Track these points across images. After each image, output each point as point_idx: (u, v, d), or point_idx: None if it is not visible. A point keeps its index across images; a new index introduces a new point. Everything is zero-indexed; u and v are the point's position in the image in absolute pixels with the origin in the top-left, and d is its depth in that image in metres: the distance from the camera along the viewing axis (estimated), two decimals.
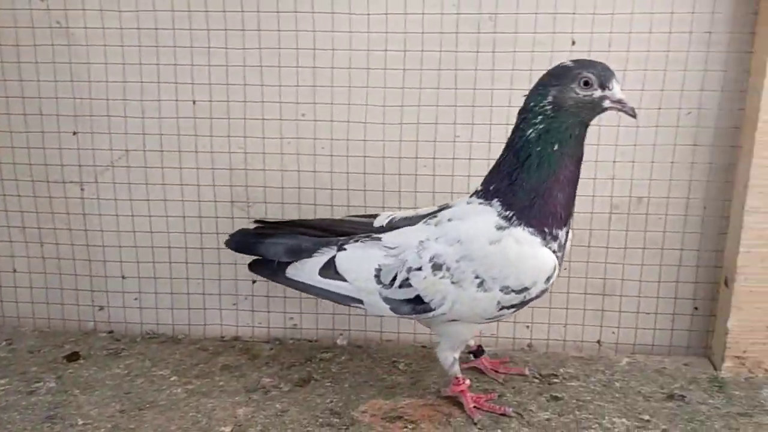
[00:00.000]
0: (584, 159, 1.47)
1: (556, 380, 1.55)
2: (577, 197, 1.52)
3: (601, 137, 1.56)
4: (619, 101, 1.21)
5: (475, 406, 1.41)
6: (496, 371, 1.56)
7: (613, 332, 1.69)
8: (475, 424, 1.37)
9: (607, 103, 1.21)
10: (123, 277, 1.77)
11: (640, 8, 1.49)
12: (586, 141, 1.47)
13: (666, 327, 1.66)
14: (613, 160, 1.58)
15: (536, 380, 1.55)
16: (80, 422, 1.38)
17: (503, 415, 1.40)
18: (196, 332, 1.78)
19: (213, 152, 1.66)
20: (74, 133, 1.69)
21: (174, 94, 1.64)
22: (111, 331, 1.80)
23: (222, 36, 1.59)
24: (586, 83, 1.21)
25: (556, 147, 1.23)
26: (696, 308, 1.66)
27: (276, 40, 1.58)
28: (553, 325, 1.70)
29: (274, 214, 1.68)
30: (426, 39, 1.55)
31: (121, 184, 1.70)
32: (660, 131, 1.55)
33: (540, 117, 1.23)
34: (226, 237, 1.48)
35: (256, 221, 1.54)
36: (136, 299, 1.78)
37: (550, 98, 1.22)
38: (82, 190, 1.72)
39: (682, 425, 1.37)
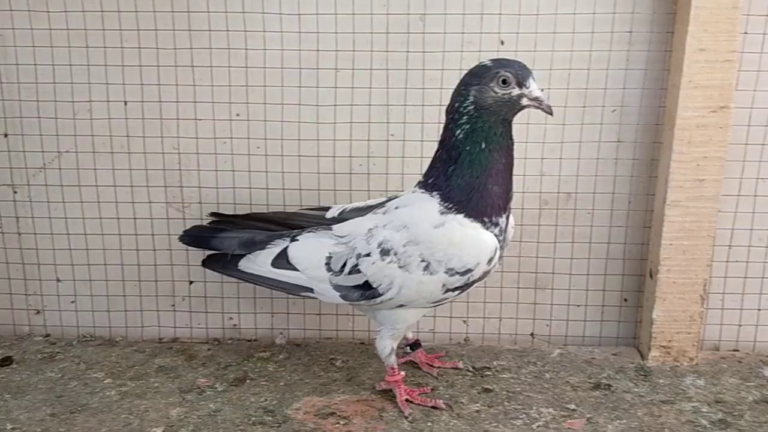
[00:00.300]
0: (515, 156, 1.53)
1: (488, 373, 1.58)
2: None
3: (530, 135, 1.60)
4: (536, 99, 1.24)
5: (407, 399, 1.43)
6: (431, 365, 1.59)
7: (547, 325, 1.73)
8: (406, 417, 1.40)
9: (525, 101, 1.25)
10: (58, 280, 1.75)
11: (564, 9, 1.53)
12: (516, 138, 1.52)
13: (596, 318, 1.71)
14: (541, 157, 1.62)
15: (469, 373, 1.58)
16: (9, 427, 1.36)
17: (434, 408, 1.43)
18: (134, 334, 1.77)
19: (146, 153, 1.65)
20: (5, 135, 1.67)
21: (105, 94, 1.62)
22: (47, 335, 1.77)
23: (152, 36, 1.58)
24: (504, 82, 1.24)
25: (483, 145, 1.27)
26: (625, 300, 1.71)
27: (207, 40, 1.58)
28: (488, 319, 1.73)
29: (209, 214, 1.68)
30: (357, 39, 1.57)
31: (53, 186, 1.68)
32: (585, 129, 1.59)
33: (465, 117, 1.27)
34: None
35: (212, 214, 1.56)
36: (72, 302, 1.76)
37: (471, 98, 1.26)
38: (14, 192, 1.70)
39: (606, 413, 1.42)
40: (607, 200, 1.64)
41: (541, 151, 1.62)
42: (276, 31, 1.57)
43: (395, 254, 1.31)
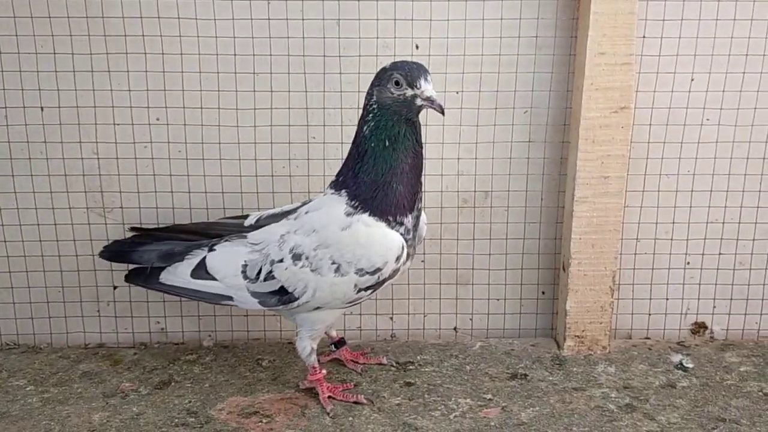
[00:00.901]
0: (429, 157, 1.58)
1: (411, 367, 1.63)
2: (427, 193, 1.62)
3: (446, 136, 1.65)
4: (428, 98, 1.28)
5: (329, 396, 1.47)
6: (356, 362, 1.63)
7: (470, 319, 1.79)
8: (328, 414, 1.43)
9: (418, 101, 1.29)
10: None
11: (472, 15, 1.58)
12: (433, 140, 1.57)
13: (515, 311, 1.78)
14: (457, 157, 1.67)
15: (393, 368, 1.62)
16: None
17: (356, 403, 1.47)
18: (59, 341, 1.75)
19: (65, 159, 1.65)
20: None
21: (21, 101, 1.61)
22: None
23: (67, 41, 1.57)
24: (397, 83, 1.29)
25: (387, 143, 1.31)
26: (543, 292, 1.78)
27: (123, 45, 1.58)
28: (413, 315, 1.78)
29: (131, 219, 1.68)
30: (274, 43, 1.59)
31: None
32: (498, 129, 1.65)
33: (371, 115, 1.32)
34: (92, 261, 1.59)
35: (132, 228, 1.57)
36: None
37: (374, 98, 1.31)
38: None
39: (520, 401, 1.48)
40: (521, 198, 1.70)
41: (457, 152, 1.67)
42: (193, 35, 1.58)
43: (306, 258, 1.34)
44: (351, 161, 1.36)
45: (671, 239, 1.73)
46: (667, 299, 1.77)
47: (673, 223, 1.71)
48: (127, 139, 1.64)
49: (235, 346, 1.75)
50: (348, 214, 1.33)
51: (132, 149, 1.65)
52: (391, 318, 1.79)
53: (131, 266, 1.56)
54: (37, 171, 1.65)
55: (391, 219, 1.33)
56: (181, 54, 1.59)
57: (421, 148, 1.35)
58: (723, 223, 1.72)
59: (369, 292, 1.37)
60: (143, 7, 1.56)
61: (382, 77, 1.31)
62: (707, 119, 1.66)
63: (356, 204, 1.34)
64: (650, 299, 1.77)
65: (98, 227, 1.69)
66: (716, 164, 1.68)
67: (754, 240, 1.73)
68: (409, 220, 1.36)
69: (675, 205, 1.70)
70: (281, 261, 1.37)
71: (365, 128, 1.33)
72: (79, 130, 1.63)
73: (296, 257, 1.36)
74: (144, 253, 1.52)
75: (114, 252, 1.55)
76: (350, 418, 1.42)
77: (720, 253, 1.73)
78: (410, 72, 1.28)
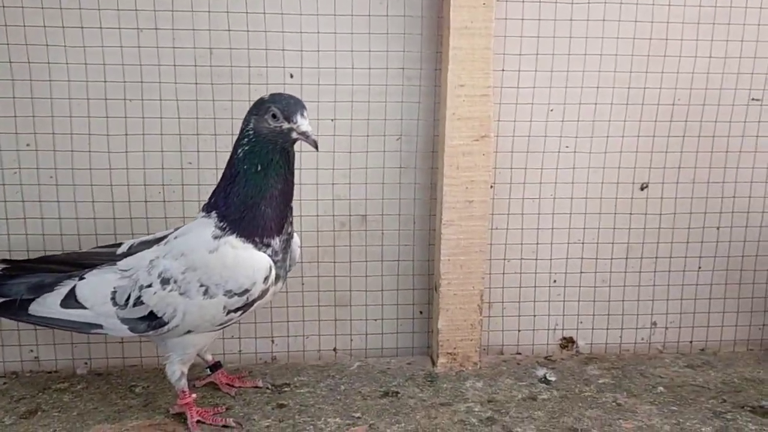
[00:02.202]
0: (305, 182, 1.63)
1: (287, 389, 1.66)
2: (304, 217, 1.67)
3: (319, 162, 1.70)
4: (303, 133, 1.34)
5: (198, 420, 1.48)
6: (231, 385, 1.64)
7: (350, 339, 1.84)
8: None
9: (294, 135, 1.34)
10: None
11: (342, 46, 1.64)
12: (308, 165, 1.61)
13: (392, 331, 1.84)
14: (332, 182, 1.72)
15: (268, 390, 1.64)
16: None
17: (225, 426, 1.48)
18: None
19: None
20: None
21: None
22: None
23: None
24: (274, 116, 1.33)
25: (259, 168, 1.35)
26: (420, 312, 1.85)
27: None
28: (293, 337, 1.81)
29: (0, 246, 1.65)
30: (144, 70, 1.61)
31: None
32: (370, 156, 1.72)
33: (246, 140, 1.36)
34: None
35: (2, 261, 1.54)
36: None
37: (251, 125, 1.35)
38: None
39: (388, 418, 1.53)
40: (395, 221, 1.77)
41: (332, 177, 1.72)
42: (62, 62, 1.58)
43: (175, 282, 1.36)
44: (224, 182, 1.40)
45: (536, 259, 1.83)
46: (535, 315, 1.86)
47: (537, 243, 1.81)
48: None
49: (110, 373, 1.73)
50: (215, 237, 1.36)
51: (0, 175, 1.62)
52: (272, 341, 1.81)
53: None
54: None
55: (258, 240, 1.37)
56: (50, 81, 1.58)
57: (292, 175, 1.39)
58: (583, 243, 1.83)
59: (239, 313, 1.40)
60: (10, 34, 1.55)
61: (260, 108, 1.34)
62: (566, 146, 1.77)
63: (224, 225, 1.37)
64: (519, 316, 1.86)
65: None
66: (574, 189, 1.79)
67: (612, 259, 1.85)
68: (276, 243, 1.39)
69: (538, 227, 1.81)
70: (150, 286, 1.38)
71: (240, 151, 1.36)
72: None
73: (165, 281, 1.37)
74: (12, 286, 1.48)
75: None
76: None
77: (581, 272, 1.85)
78: (287, 107, 1.33)
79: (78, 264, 1.50)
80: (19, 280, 1.49)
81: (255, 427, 1.49)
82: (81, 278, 1.45)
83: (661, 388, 1.69)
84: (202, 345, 1.47)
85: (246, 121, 1.37)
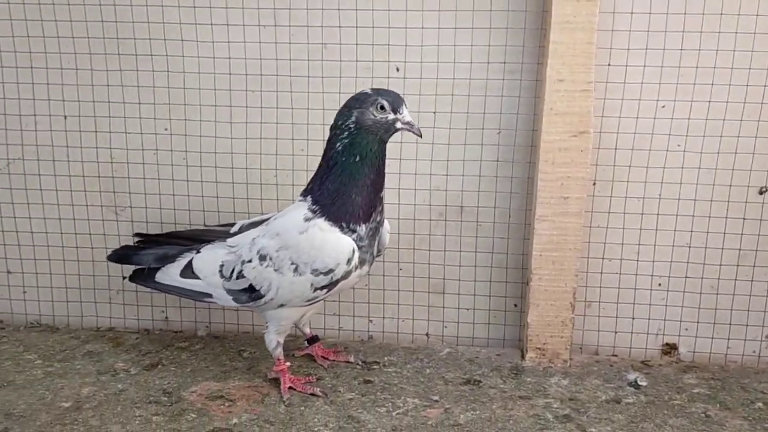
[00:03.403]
0: (404, 172, 1.72)
1: (376, 367, 1.75)
2: (402, 205, 1.75)
3: (419, 153, 1.77)
4: (408, 123, 1.44)
5: (290, 387, 1.62)
6: (326, 358, 1.77)
7: (445, 326, 1.90)
8: (284, 402, 1.58)
9: (399, 125, 1.43)
10: (9, 272, 1.97)
11: (444, 41, 1.70)
12: (407, 156, 1.70)
13: (484, 321, 1.87)
14: (430, 173, 1.79)
15: (359, 366, 1.75)
16: None
17: (312, 395, 1.60)
18: (75, 323, 1.98)
19: (83, 162, 1.87)
20: None
21: (47, 109, 1.84)
22: (0, 321, 2.00)
23: (87, 59, 1.80)
24: (382, 108, 1.43)
25: (358, 158, 1.45)
26: (515, 305, 1.87)
27: (134, 63, 1.79)
28: (388, 318, 1.90)
29: (139, 218, 1.89)
30: (264, 64, 1.76)
31: (4, 189, 1.90)
32: (468, 148, 1.76)
33: (346, 133, 1.46)
34: (105, 253, 1.77)
35: (137, 234, 1.77)
36: (24, 292, 1.98)
37: (353, 118, 1.45)
38: None
39: (464, 405, 1.58)
40: (490, 214, 1.80)
41: (430, 168, 1.78)
42: (194, 56, 1.77)
43: (270, 259, 1.50)
44: (321, 172, 1.51)
45: (638, 260, 1.78)
46: (634, 318, 1.82)
47: (639, 244, 1.77)
48: (137, 146, 1.85)
49: (225, 337, 1.92)
50: (306, 219, 1.48)
51: (141, 155, 1.85)
52: (370, 320, 1.91)
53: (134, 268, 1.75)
54: (60, 171, 1.88)
55: (344, 225, 1.47)
56: (183, 72, 1.78)
57: (384, 167, 1.48)
58: (689, 246, 1.75)
59: (324, 291, 1.51)
60: (152, 30, 1.76)
61: (364, 101, 1.44)
62: (678, 145, 1.71)
63: (316, 209, 1.48)
64: (617, 317, 1.82)
65: (111, 223, 1.90)
66: (682, 189, 1.72)
67: (721, 265, 1.75)
68: (363, 229, 1.48)
69: (641, 227, 1.76)
70: (250, 261, 1.53)
71: (338, 144, 1.46)
72: (96, 137, 1.85)
73: (262, 258, 1.51)
74: (143, 256, 1.71)
75: (119, 255, 1.74)
76: (302, 408, 1.56)
77: (686, 276, 1.77)
78: (395, 99, 1.44)
79: (198, 239, 1.69)
80: (149, 251, 1.70)
81: (339, 398, 1.60)
82: (198, 252, 1.64)
83: (759, 404, 1.60)
84: (294, 318, 1.60)
85: (345, 116, 1.46)
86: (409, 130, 1.46)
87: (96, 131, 1.85)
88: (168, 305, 1.95)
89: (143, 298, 1.95)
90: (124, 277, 1.93)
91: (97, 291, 1.96)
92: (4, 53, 1.82)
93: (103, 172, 1.88)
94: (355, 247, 1.47)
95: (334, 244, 1.46)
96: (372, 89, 1.47)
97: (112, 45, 1.79)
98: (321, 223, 1.46)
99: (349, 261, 1.47)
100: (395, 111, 1.43)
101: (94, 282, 1.95)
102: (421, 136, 1.47)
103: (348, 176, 1.46)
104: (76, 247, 1.93)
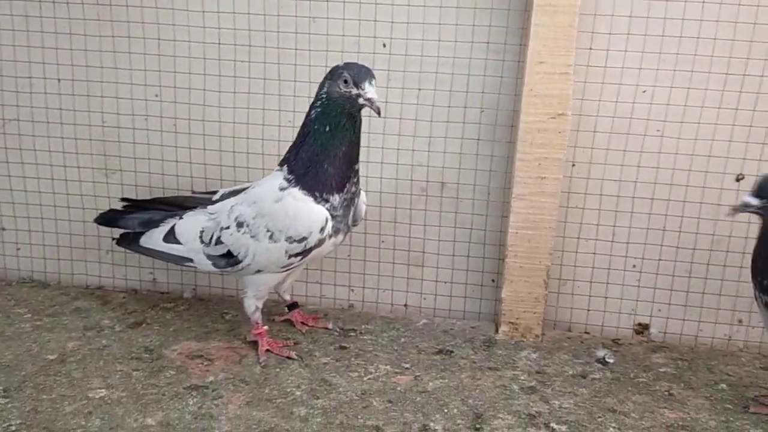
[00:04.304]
0: (387, 147, 1.77)
1: (353, 334, 1.81)
2: (384, 179, 1.79)
3: (402, 129, 1.81)
4: (369, 99, 1.45)
5: (267, 350, 1.68)
6: (305, 324, 1.83)
7: (423, 298, 1.95)
8: (260, 363, 1.64)
9: (361, 100, 1.46)
10: (3, 229, 2.03)
11: (430, 19, 1.72)
12: (391, 131, 1.73)
13: (461, 295, 1.92)
14: (412, 149, 1.82)
15: (336, 333, 1.81)
16: None
17: (288, 358, 1.67)
18: (65, 280, 2.04)
19: (75, 125, 1.92)
20: None
21: (42, 72, 1.88)
22: None
23: (81, 24, 1.83)
24: (345, 81, 1.46)
25: (327, 128, 1.49)
26: (493, 280, 1.91)
27: (126, 29, 1.82)
28: (369, 288, 1.96)
29: (128, 181, 1.94)
30: (252, 35, 1.79)
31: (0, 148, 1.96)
32: (450, 126, 1.79)
33: (319, 102, 1.50)
34: (95, 214, 1.83)
35: (123, 199, 1.82)
36: (19, 249, 2.05)
37: (325, 89, 1.49)
38: None
39: (434, 373, 1.64)
40: (470, 191, 1.84)
41: (412, 144, 1.82)
42: (184, 24, 1.80)
43: (247, 226, 1.55)
44: (297, 140, 1.56)
45: (612, 241, 1.82)
46: (606, 297, 1.86)
47: (615, 226, 1.81)
48: (128, 112, 1.89)
49: (209, 299, 1.98)
50: (281, 188, 1.53)
51: (131, 120, 1.90)
52: (351, 289, 1.97)
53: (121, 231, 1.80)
54: (53, 133, 1.93)
55: (317, 195, 1.51)
56: (174, 41, 1.82)
57: (358, 140, 1.52)
58: (664, 230, 1.79)
59: (299, 258, 1.56)
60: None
61: (334, 73, 1.48)
62: (657, 130, 1.73)
63: (291, 178, 1.53)
64: (590, 296, 1.87)
65: (101, 185, 1.96)
66: (659, 174, 1.75)
67: (694, 249, 1.79)
68: (336, 199, 1.53)
69: (617, 209, 1.79)
70: (228, 228, 1.58)
71: (312, 113, 1.51)
72: (88, 101, 1.89)
73: (239, 225, 1.57)
74: (129, 220, 1.77)
75: (106, 218, 1.80)
76: (278, 370, 1.62)
77: (660, 259, 1.81)
78: (358, 74, 1.45)
79: (182, 206, 1.74)
80: (135, 216, 1.76)
81: (314, 362, 1.66)
82: (180, 218, 1.69)
83: (723, 386, 1.65)
84: (271, 284, 1.65)
85: (321, 86, 1.50)
86: (369, 107, 1.46)
87: (88, 95, 1.89)
88: (156, 267, 2.01)
89: (132, 259, 2.01)
90: (113, 238, 1.97)
91: (87, 250, 2.02)
92: (1, 16, 1.85)
93: (94, 136, 1.92)
94: (329, 216, 1.52)
95: (308, 213, 1.51)
96: (344, 63, 1.50)
97: (105, 11, 1.82)
98: (295, 192, 1.51)
99: (322, 230, 1.52)
100: (357, 85, 1.45)
101: (85, 241, 2.01)
102: (379, 114, 1.47)
103: (320, 146, 1.50)
104: (68, 207, 1.99)
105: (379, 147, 1.81)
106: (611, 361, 1.73)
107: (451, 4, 1.71)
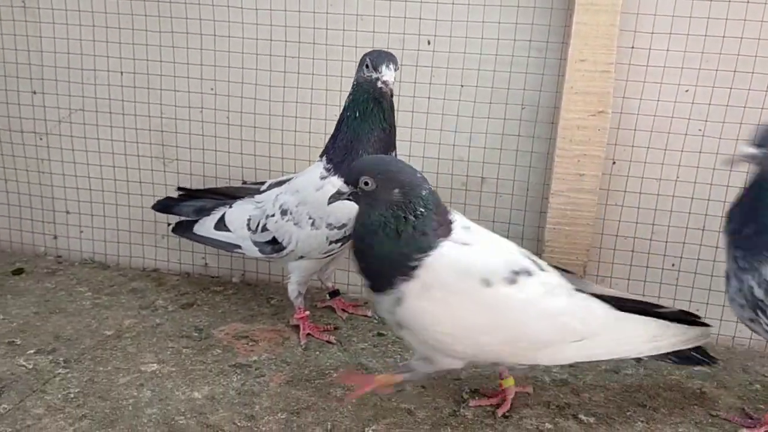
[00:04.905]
0: (429, 142, 1.84)
1: None
2: (426, 173, 1.80)
3: (444, 124, 1.86)
4: (384, 82, 1.50)
5: (308, 333, 1.76)
6: (345, 310, 1.90)
7: None
8: (301, 346, 1.72)
9: (379, 84, 1.51)
10: (68, 212, 2.17)
11: (473, 17, 1.77)
12: (433, 126, 1.82)
13: None
14: (453, 144, 1.87)
15: (375, 321, 1.87)
16: (0, 317, 1.79)
17: (328, 342, 1.74)
18: (124, 262, 2.17)
19: (136, 115, 2.03)
20: (34, 93, 2.08)
21: (106, 65, 2.01)
22: (59, 256, 2.20)
23: (143, 20, 1.94)
24: (367, 66, 1.52)
25: (357, 114, 1.55)
26: None
27: (184, 26, 1.92)
28: None
29: (184, 170, 2.05)
30: (302, 32, 1.87)
31: (66, 136, 2.09)
32: (491, 122, 1.84)
33: (351, 90, 1.58)
34: (153, 200, 1.95)
35: (179, 188, 1.93)
36: (81, 232, 2.18)
37: (355, 77, 1.57)
38: (39, 139, 2.12)
39: None
40: (510, 186, 1.88)
41: (453, 139, 1.87)
42: (238, 21, 1.89)
43: (290, 213, 1.63)
44: (334, 131, 1.63)
45: (650, 240, 1.83)
46: (644, 296, 1.86)
47: (653, 224, 1.81)
48: (184, 104, 1.99)
49: (256, 285, 2.08)
50: (322, 177, 1.60)
51: (188, 112, 2.00)
52: None
53: (178, 219, 1.90)
54: (115, 123, 2.05)
55: None
56: (229, 37, 1.91)
57: (391, 126, 1.56)
58: (703, 230, 1.79)
59: (339, 245, 1.63)
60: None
61: (362, 62, 1.55)
62: (699, 130, 1.74)
63: (330, 167, 1.60)
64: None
65: (159, 174, 2.07)
66: (699, 173, 1.76)
67: None
68: None
69: (656, 208, 1.80)
70: (273, 215, 1.67)
71: (346, 101, 1.59)
72: (148, 93, 2.01)
73: (283, 212, 1.65)
74: (183, 207, 1.88)
75: (163, 205, 1.92)
76: (318, 353, 1.70)
77: (698, 259, 1.81)
78: (377, 58, 1.51)
79: (232, 195, 1.83)
80: (189, 203, 1.87)
81: (352, 347, 1.74)
82: (230, 206, 1.78)
83: (757, 386, 1.65)
84: (313, 270, 1.73)
85: (354, 76, 1.57)
86: (384, 89, 1.50)
87: (148, 88, 2.00)
88: (207, 252, 2.11)
89: (185, 244, 2.11)
90: (169, 224, 2.10)
91: (144, 235, 2.14)
92: (69, 12, 1.98)
93: (153, 126, 2.04)
94: None
95: (346, 200, 1.57)
96: (369, 51, 1.56)
97: (165, 8, 1.93)
98: (335, 180, 1.58)
99: None
100: (375, 69, 1.50)
101: (143, 226, 2.13)
102: (391, 95, 1.51)
103: (353, 133, 1.56)
104: (128, 194, 2.11)
105: (421, 142, 1.86)
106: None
107: (494, 3, 1.75)
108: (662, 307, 1.48)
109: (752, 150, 1.32)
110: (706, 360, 1.51)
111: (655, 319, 1.43)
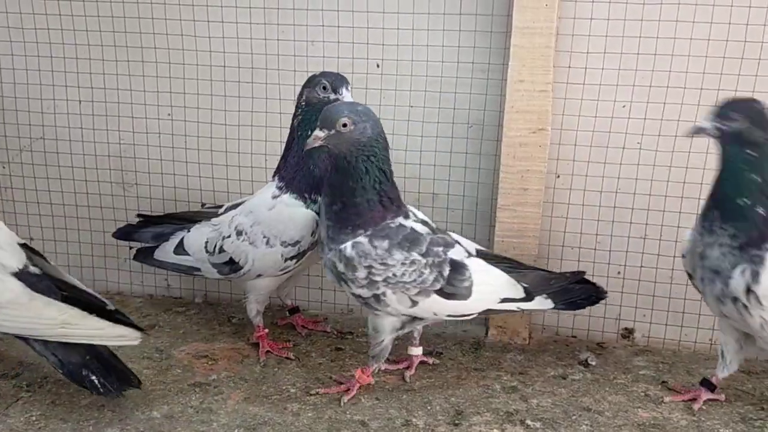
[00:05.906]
0: None
1: (349, 337, 1.93)
2: None
3: (396, 143, 1.91)
4: None
5: (267, 351, 1.81)
6: (305, 327, 1.95)
7: None
8: (260, 363, 1.77)
9: None
10: (31, 239, 2.19)
11: (418, 41, 1.84)
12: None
13: None
14: (404, 162, 1.93)
15: (333, 336, 1.93)
16: None
17: (287, 358, 1.79)
18: (88, 286, 2.19)
19: (95, 142, 2.08)
20: None
21: (65, 94, 2.05)
22: None
23: (99, 50, 1.99)
24: (324, 88, 1.59)
25: (309, 133, 1.58)
26: None
27: (140, 54, 1.98)
28: None
29: (143, 194, 2.09)
30: (255, 58, 1.93)
31: (27, 164, 2.13)
32: (440, 141, 1.91)
33: (299, 110, 1.65)
34: (115, 224, 2.03)
35: (139, 215, 1.97)
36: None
37: (304, 97, 1.64)
38: (2, 167, 2.15)
39: (421, 372, 1.75)
40: (460, 201, 1.95)
41: (405, 158, 1.94)
42: (192, 49, 1.95)
43: (246, 234, 1.68)
44: (285, 150, 1.70)
45: (595, 249, 1.90)
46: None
47: (597, 234, 1.89)
48: (142, 130, 2.04)
49: (218, 304, 2.12)
50: (274, 197, 1.67)
51: (146, 138, 2.05)
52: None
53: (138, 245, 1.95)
54: (75, 150, 2.09)
55: (307, 196, 1.64)
56: (183, 64, 1.96)
57: None
58: (644, 238, 1.87)
59: (294, 261, 1.69)
60: (156, 26, 1.94)
61: (312, 81, 1.63)
62: (637, 143, 1.82)
63: (282, 185, 1.67)
64: None
65: (119, 198, 2.11)
66: (638, 185, 1.84)
67: (674, 257, 1.86)
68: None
69: (599, 219, 1.88)
70: (229, 236, 1.72)
71: (295, 121, 1.66)
72: (106, 120, 2.05)
73: (239, 233, 1.70)
74: (142, 234, 1.92)
75: (123, 233, 1.96)
76: (276, 369, 1.75)
77: (642, 266, 1.89)
78: (335, 80, 1.60)
79: (191, 219, 1.88)
80: (148, 230, 1.91)
81: (311, 362, 1.79)
82: (188, 231, 1.83)
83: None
84: (271, 288, 1.78)
85: (300, 95, 1.65)
86: None
87: (107, 115, 2.05)
88: (170, 274, 2.15)
89: (148, 267, 2.15)
90: (130, 247, 2.14)
91: (107, 258, 2.18)
92: (27, 43, 2.02)
93: (112, 152, 2.08)
94: (317, 219, 1.63)
95: (298, 217, 1.64)
96: (321, 72, 1.64)
97: (121, 38, 1.98)
98: (286, 198, 1.64)
99: (312, 233, 1.64)
100: (335, 91, 1.59)
101: (105, 250, 2.17)
102: None
103: (302, 151, 1.61)
104: (89, 219, 2.15)
105: None
106: (593, 363, 1.82)
107: (437, 27, 1.82)
108: None
109: (706, 123, 1.39)
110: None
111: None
